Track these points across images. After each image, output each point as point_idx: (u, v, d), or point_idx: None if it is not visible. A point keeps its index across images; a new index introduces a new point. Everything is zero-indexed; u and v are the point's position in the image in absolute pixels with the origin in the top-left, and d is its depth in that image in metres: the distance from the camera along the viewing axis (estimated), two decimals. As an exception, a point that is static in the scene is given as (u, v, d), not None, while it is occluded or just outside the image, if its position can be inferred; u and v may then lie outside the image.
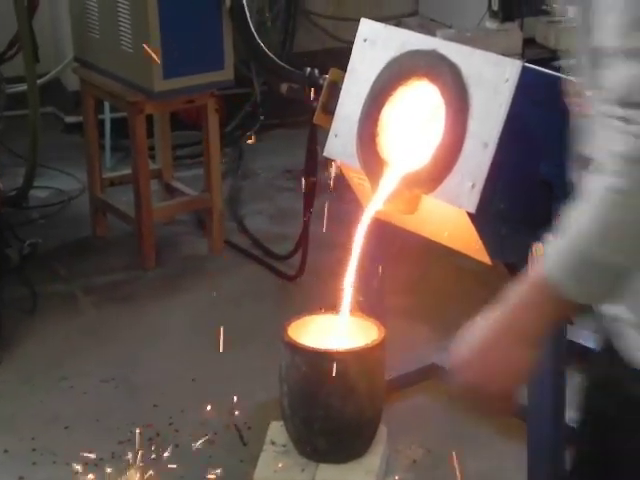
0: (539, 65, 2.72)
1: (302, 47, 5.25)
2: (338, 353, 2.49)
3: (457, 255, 2.59)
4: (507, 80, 2.34)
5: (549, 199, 2.41)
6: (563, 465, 2.51)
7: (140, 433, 2.80)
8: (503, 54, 3.11)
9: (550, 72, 2.51)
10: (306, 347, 2.51)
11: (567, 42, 4.03)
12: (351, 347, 2.52)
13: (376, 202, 2.52)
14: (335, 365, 2.45)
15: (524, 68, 2.36)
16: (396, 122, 2.56)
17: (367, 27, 2.69)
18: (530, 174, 2.42)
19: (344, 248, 2.57)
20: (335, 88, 2.76)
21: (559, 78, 2.49)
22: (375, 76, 2.59)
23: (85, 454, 2.73)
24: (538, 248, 2.41)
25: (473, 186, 2.36)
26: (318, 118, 2.85)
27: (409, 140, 2.54)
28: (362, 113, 2.60)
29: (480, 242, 2.45)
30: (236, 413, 2.88)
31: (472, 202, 2.36)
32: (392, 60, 2.57)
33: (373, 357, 2.51)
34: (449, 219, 2.47)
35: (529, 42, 3.92)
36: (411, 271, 3.55)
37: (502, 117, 2.34)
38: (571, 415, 2.62)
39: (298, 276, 3.63)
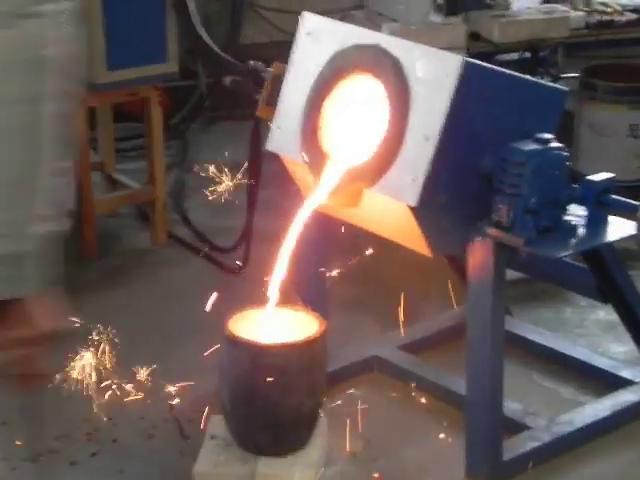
0: (483, 59, 2.74)
1: (249, 39, 5.21)
2: (277, 347, 2.49)
3: (400, 247, 2.60)
4: (448, 75, 2.35)
5: (490, 192, 2.43)
6: (501, 454, 2.55)
7: (78, 427, 2.76)
8: (448, 48, 3.13)
9: (492, 66, 2.53)
10: (245, 341, 2.50)
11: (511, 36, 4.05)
12: (290, 341, 2.51)
13: (318, 195, 2.52)
14: (274, 359, 2.45)
15: (466, 63, 2.36)
16: (339, 116, 2.56)
17: (310, 20, 2.68)
18: (472, 168, 2.44)
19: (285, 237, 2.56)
20: (279, 81, 2.75)
21: (501, 72, 2.52)
22: (318, 70, 2.59)
23: (22, 450, 2.67)
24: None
25: (414, 180, 2.37)
26: (261, 111, 2.84)
27: (351, 133, 2.54)
28: (305, 107, 2.60)
29: (422, 235, 2.46)
30: (176, 407, 2.84)
31: (413, 196, 2.37)
32: (335, 54, 2.57)
33: (313, 351, 2.51)
34: (391, 213, 2.47)
35: (473, 36, 3.93)
36: (354, 263, 3.54)
37: (444, 112, 2.34)
38: (509, 405, 2.65)
39: (242, 269, 3.59)
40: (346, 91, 2.55)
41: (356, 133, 2.54)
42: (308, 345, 2.50)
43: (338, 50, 2.56)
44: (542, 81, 2.65)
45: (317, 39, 2.63)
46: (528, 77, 2.62)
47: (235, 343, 2.50)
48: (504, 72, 2.53)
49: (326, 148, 2.55)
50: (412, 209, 2.38)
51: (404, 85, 2.41)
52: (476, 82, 2.39)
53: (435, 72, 2.38)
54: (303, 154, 2.58)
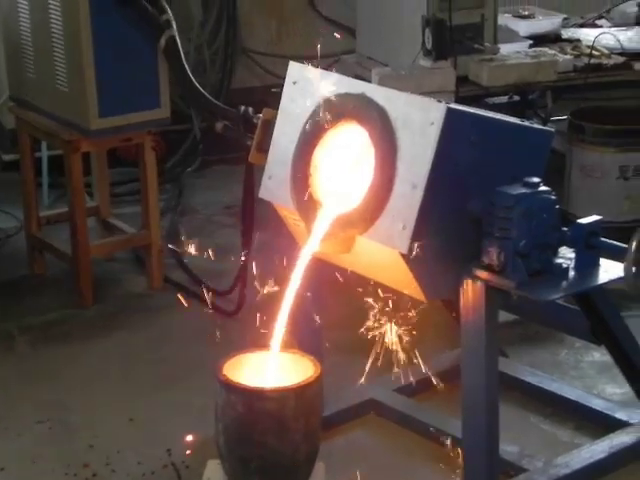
0: (472, 102, 2.77)
1: (241, 83, 5.29)
2: (272, 392, 2.51)
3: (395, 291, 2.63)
4: (432, 123, 2.38)
5: (478, 234, 2.47)
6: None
7: (76, 474, 2.78)
8: (438, 92, 3.19)
9: (477, 111, 2.56)
10: (240, 386, 2.52)
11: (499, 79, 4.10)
12: (285, 385, 2.54)
13: (311, 244, 2.56)
14: (270, 404, 2.47)
15: (449, 111, 2.39)
16: (328, 164, 2.61)
17: (295, 70, 2.73)
18: (461, 212, 2.47)
19: (283, 283, 2.60)
20: (269, 127, 2.80)
21: (486, 117, 2.57)
22: (306, 118, 2.64)
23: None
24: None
25: (404, 227, 2.40)
26: (253, 157, 2.89)
27: (341, 181, 2.59)
28: (294, 155, 2.64)
29: (415, 281, 2.49)
30: (173, 452, 2.87)
31: (404, 243, 2.40)
32: (321, 103, 2.61)
33: (308, 395, 2.53)
34: (384, 259, 2.51)
35: (462, 80, 3.99)
36: (348, 305, 3.57)
37: (429, 159, 2.38)
38: (506, 448, 2.66)
39: (237, 312, 3.62)
40: (334, 139, 2.59)
41: (346, 180, 2.57)
42: (304, 389, 2.52)
43: (324, 98, 2.60)
44: (527, 123, 2.66)
45: (303, 88, 2.68)
46: (513, 120, 2.64)
47: (229, 388, 2.52)
48: (488, 116, 2.56)
49: (317, 196, 2.60)
50: (403, 256, 2.42)
51: (390, 133, 2.44)
52: (460, 129, 2.41)
53: (420, 121, 2.41)
54: (294, 202, 2.62)
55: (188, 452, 2.85)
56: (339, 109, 2.57)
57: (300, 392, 2.51)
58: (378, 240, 2.46)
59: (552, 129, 2.71)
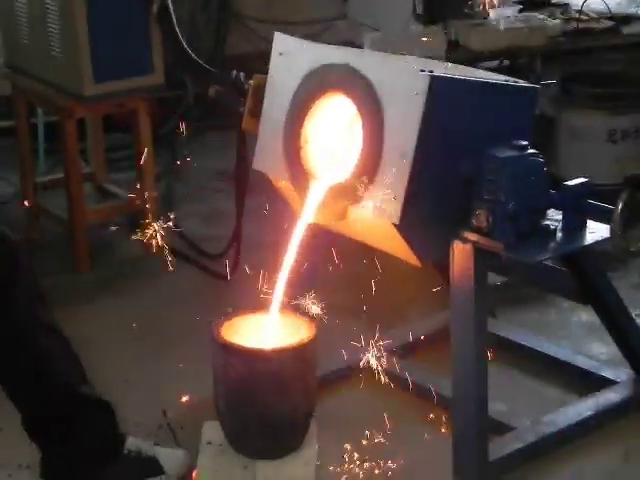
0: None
1: (235, 50, 5.28)
2: (273, 352, 2.55)
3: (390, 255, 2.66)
4: (417, 93, 2.39)
5: (470, 196, 2.48)
6: (487, 455, 2.61)
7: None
8: (428, 57, 3.19)
9: (460, 76, 2.56)
10: (240, 347, 2.56)
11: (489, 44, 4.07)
12: (285, 345, 2.58)
13: (306, 216, 2.59)
14: (271, 364, 2.52)
15: (433, 79, 2.40)
16: (319, 135, 2.63)
17: (281, 41, 2.74)
18: (452, 176, 2.48)
19: (276, 248, 2.65)
20: (260, 92, 2.82)
21: (469, 80, 2.56)
22: (293, 89, 2.65)
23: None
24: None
25: (395, 197, 2.42)
26: (246, 123, 2.91)
27: (332, 152, 2.61)
28: (285, 128, 2.66)
29: (408, 248, 2.52)
30: (169, 413, 2.90)
31: (395, 213, 2.42)
32: (308, 74, 2.62)
33: (306, 354, 2.58)
34: (377, 227, 2.54)
35: (453, 45, 4.01)
36: (346, 269, 3.60)
37: (416, 129, 2.38)
38: (494, 406, 2.71)
39: (231, 275, 3.64)
40: (323, 111, 2.61)
41: (337, 151, 2.60)
42: (302, 348, 2.57)
43: (311, 70, 2.61)
44: (511, 79, 2.64)
45: (290, 59, 2.69)
46: (498, 78, 2.63)
47: (229, 350, 2.55)
48: (472, 80, 2.55)
49: (309, 167, 2.62)
50: (395, 226, 2.44)
51: (376, 104, 2.44)
52: (446, 95, 2.41)
53: (404, 91, 2.41)
54: (287, 174, 2.64)
55: (183, 413, 2.86)
56: (325, 81, 2.58)
57: (299, 351, 2.56)
58: (370, 210, 2.48)
59: (537, 85, 2.69)
